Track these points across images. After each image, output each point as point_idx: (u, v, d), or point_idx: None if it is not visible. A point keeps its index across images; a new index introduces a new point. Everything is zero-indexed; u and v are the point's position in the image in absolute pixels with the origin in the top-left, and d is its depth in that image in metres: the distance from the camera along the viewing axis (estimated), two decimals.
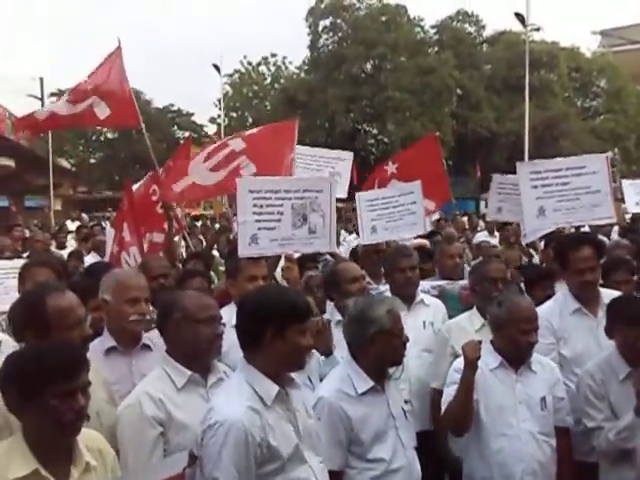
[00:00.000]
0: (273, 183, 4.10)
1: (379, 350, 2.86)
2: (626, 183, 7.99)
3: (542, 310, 3.81)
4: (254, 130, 5.94)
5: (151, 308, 3.15)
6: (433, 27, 35.72)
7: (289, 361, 2.33)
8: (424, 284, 4.60)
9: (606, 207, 4.71)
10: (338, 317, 3.62)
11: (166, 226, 5.56)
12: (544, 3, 57.53)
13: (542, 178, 4.82)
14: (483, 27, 36.11)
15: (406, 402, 3.05)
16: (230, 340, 2.65)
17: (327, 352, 3.35)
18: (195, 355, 2.60)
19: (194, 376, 2.59)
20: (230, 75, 39.63)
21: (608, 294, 3.75)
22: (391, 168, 7.21)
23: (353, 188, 7.01)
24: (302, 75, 36.95)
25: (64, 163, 38.30)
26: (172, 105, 41.40)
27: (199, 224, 14.26)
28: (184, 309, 2.61)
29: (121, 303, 3.03)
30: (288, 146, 5.43)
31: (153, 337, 3.01)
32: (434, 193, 6.94)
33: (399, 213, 5.31)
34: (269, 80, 40.09)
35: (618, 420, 3.13)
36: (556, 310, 3.78)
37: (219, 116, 37.74)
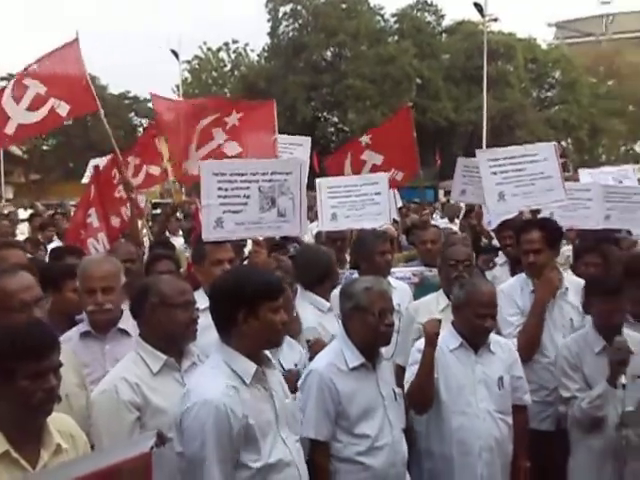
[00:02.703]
0: (239, 166, 4.03)
1: (357, 326, 2.92)
2: None
3: (506, 286, 4.03)
4: (235, 122, 5.91)
5: None
6: (393, 16, 35.86)
7: (265, 339, 2.37)
8: (404, 271, 4.70)
9: (558, 191, 4.94)
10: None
11: (123, 210, 5.53)
12: None
13: (500, 165, 4.99)
14: (442, 17, 36.44)
15: None
16: (199, 324, 2.69)
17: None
18: (171, 339, 2.62)
19: (169, 360, 2.61)
20: (189, 61, 39.00)
21: (571, 280, 3.95)
22: (365, 139, 7.26)
23: (314, 176, 7.04)
24: (262, 62, 36.63)
25: (15, 150, 37.10)
26: (129, 92, 40.51)
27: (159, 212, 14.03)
28: (161, 294, 2.63)
29: (82, 292, 3.09)
30: (269, 127, 5.44)
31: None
32: (404, 164, 7.06)
33: (362, 202, 5.33)
34: (229, 67, 39.56)
35: (591, 390, 3.29)
36: (518, 288, 3.97)
37: None
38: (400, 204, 9.30)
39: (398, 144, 7.06)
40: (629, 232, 5.86)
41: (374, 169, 6.92)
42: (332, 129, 35.47)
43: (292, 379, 3.00)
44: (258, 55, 37.58)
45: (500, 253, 5.43)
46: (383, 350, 3.06)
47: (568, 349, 3.45)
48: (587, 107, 35.33)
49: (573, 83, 35.94)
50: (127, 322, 3.05)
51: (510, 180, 4.94)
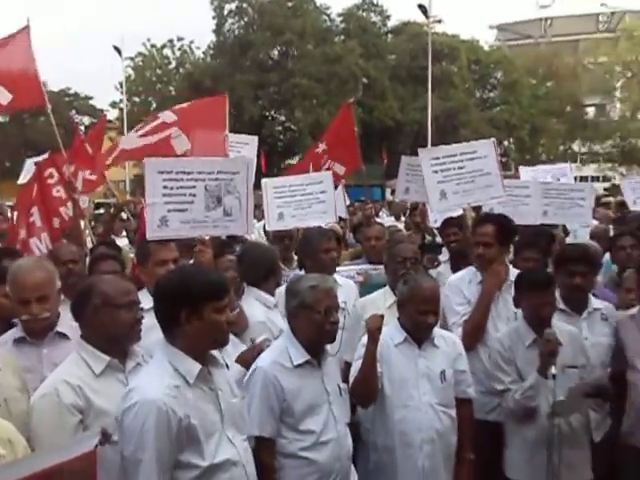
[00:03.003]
0: (185, 164, 3.98)
1: (302, 324, 2.94)
2: (624, 182, 8.56)
3: (455, 278, 4.15)
4: (184, 105, 5.81)
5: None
6: (339, 15, 36.08)
7: (210, 339, 2.36)
8: (349, 270, 4.73)
9: (497, 187, 5.06)
10: None
11: (62, 210, 5.41)
12: None
13: (441, 163, 5.07)
14: (388, 17, 36.88)
15: None
16: (144, 325, 2.67)
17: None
18: (115, 340, 2.59)
19: (113, 361, 2.57)
20: (132, 58, 38.22)
21: (512, 272, 4.04)
22: (322, 147, 7.32)
23: (261, 175, 7.03)
24: (208, 60, 36.23)
25: None
26: (69, 88, 39.37)
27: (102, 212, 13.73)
28: (103, 294, 2.59)
29: (15, 301, 2.97)
30: (220, 123, 5.38)
31: None
32: (346, 159, 7.13)
33: (307, 201, 5.35)
34: (174, 64, 38.95)
35: (524, 382, 3.39)
36: (466, 280, 4.08)
37: (121, 100, 36.34)
38: (348, 202, 9.40)
39: (340, 139, 7.13)
40: (564, 227, 6.11)
41: (314, 157, 7.04)
42: (279, 128, 35.43)
43: (253, 353, 3.06)
44: (204, 53, 37.17)
45: (444, 250, 5.55)
46: (328, 347, 3.09)
47: (501, 343, 3.55)
48: (527, 107, 36.36)
49: (514, 84, 36.94)
50: (65, 325, 2.99)
51: (451, 178, 5.02)
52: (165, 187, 3.82)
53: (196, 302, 2.29)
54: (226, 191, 3.91)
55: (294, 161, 35.25)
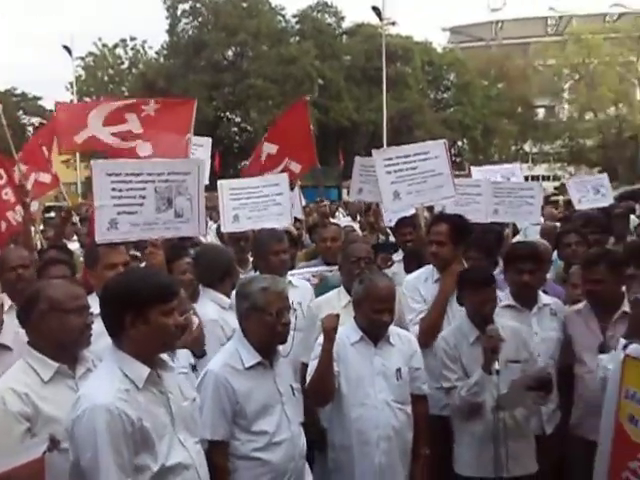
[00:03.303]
0: (134, 166, 3.93)
1: (253, 326, 2.93)
2: (570, 182, 8.76)
3: (412, 277, 4.21)
4: (152, 112, 5.67)
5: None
6: (294, 16, 36.08)
7: (156, 343, 2.33)
8: (304, 272, 4.73)
9: (448, 187, 5.15)
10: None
11: (10, 214, 5.25)
12: None
13: (394, 164, 5.13)
14: (342, 18, 37.05)
15: None
16: (94, 330, 2.61)
17: (199, 352, 3.37)
18: (64, 346, 2.53)
19: (62, 368, 2.51)
20: (83, 58, 37.41)
21: None
22: (265, 134, 7.29)
23: (216, 177, 6.97)
24: (161, 60, 35.75)
25: None
26: (15, 88, 38.28)
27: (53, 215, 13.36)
28: (51, 299, 2.53)
29: None
30: (184, 127, 5.32)
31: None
32: (301, 156, 7.12)
33: (263, 203, 5.34)
34: (126, 64, 38.31)
35: (469, 379, 3.44)
36: (422, 278, 4.14)
37: (71, 101, 35.53)
38: (304, 203, 9.41)
39: (294, 136, 7.11)
40: (515, 226, 6.25)
41: (269, 159, 6.99)
42: (235, 129, 35.22)
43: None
44: (157, 53, 36.69)
45: (399, 250, 5.60)
46: (280, 348, 3.09)
47: (446, 341, 3.60)
48: (480, 108, 37.07)
49: (467, 85, 37.62)
50: (7, 336, 2.90)
51: (404, 178, 5.09)
52: (114, 189, 3.76)
53: (141, 305, 2.26)
54: (177, 192, 3.88)
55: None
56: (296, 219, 7.40)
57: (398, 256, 5.42)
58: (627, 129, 37.54)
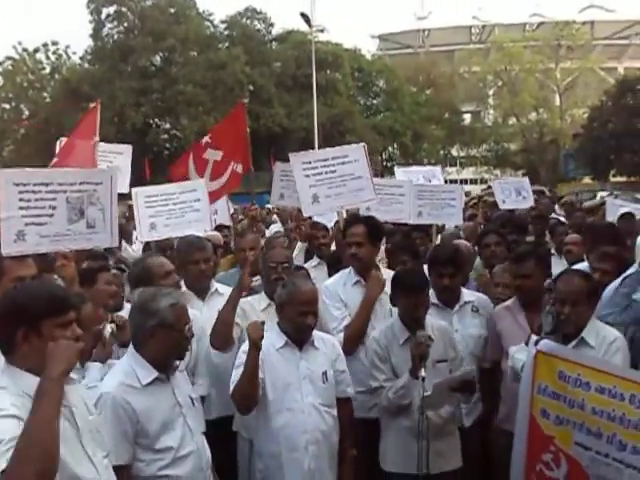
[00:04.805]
0: (43, 176, 3.80)
1: (159, 343, 2.84)
2: (495, 183, 8.96)
3: (331, 282, 4.20)
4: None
5: None
6: (223, 22, 35.86)
7: None
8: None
9: (368, 190, 5.18)
10: None
11: None
12: (328, 5, 60.75)
13: (313, 168, 5.11)
14: (272, 25, 37.10)
15: None
16: None
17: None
18: None
19: None
20: (1, 62, 35.85)
21: (388, 273, 4.14)
22: (205, 139, 7.13)
23: (146, 185, 6.80)
24: (86, 65, 34.73)
25: None
26: None
27: None
28: None
29: None
30: (89, 131, 5.13)
31: None
32: (241, 157, 7.03)
33: (180, 210, 5.24)
34: (48, 70, 36.96)
35: (397, 380, 3.49)
36: (341, 282, 4.14)
37: None
38: (232, 210, 9.30)
39: (234, 139, 7.03)
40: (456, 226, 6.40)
41: (216, 166, 6.86)
42: (165, 135, 34.62)
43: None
44: (81, 58, 35.58)
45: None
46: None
47: (377, 342, 3.64)
48: (409, 114, 37.92)
49: (396, 92, 38.41)
50: None
51: (323, 182, 5.08)
52: (22, 200, 3.64)
53: (33, 320, 2.15)
54: (89, 203, 3.78)
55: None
56: (224, 226, 7.32)
57: (313, 262, 5.42)
58: (548, 133, 39.26)
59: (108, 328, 3.21)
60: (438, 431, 3.47)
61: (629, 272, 3.64)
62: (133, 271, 3.79)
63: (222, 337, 3.66)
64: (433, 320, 3.71)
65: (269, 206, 10.02)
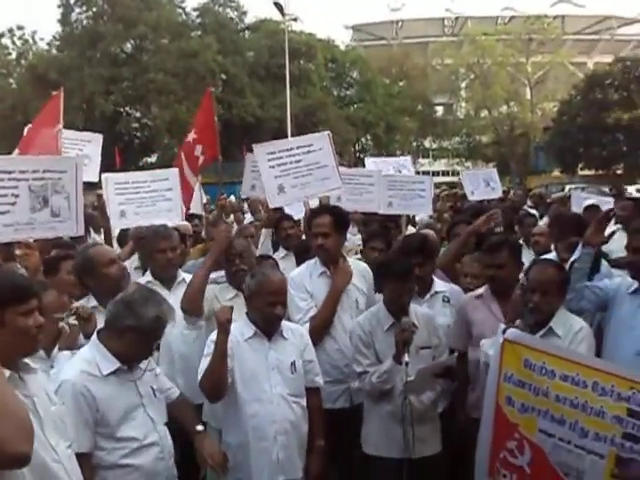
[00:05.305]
0: (5, 163, 3.71)
1: (127, 343, 2.85)
2: (464, 174, 9.00)
3: (296, 273, 4.18)
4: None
5: None
6: (195, 10, 35.41)
7: (17, 345, 2.22)
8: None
9: (334, 179, 5.16)
10: None
11: None
12: None
13: (277, 158, 5.06)
14: (244, 13, 36.76)
15: None
16: None
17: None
18: None
19: None
20: None
21: (355, 264, 4.20)
22: (191, 136, 7.02)
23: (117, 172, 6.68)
24: (54, 52, 33.98)
25: None
26: None
27: None
28: None
29: None
30: (53, 118, 5.02)
31: None
32: (209, 146, 6.94)
33: (152, 199, 5.15)
34: (14, 55, 36.07)
35: (380, 365, 3.52)
36: (307, 273, 4.13)
37: None
38: (205, 200, 9.22)
39: (204, 126, 6.94)
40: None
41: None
42: (136, 124, 34.12)
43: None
44: (48, 44, 34.81)
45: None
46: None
47: (361, 327, 3.67)
48: (382, 106, 37.98)
49: (369, 83, 38.42)
50: None
51: (288, 172, 5.04)
52: None
53: None
54: (53, 191, 3.71)
55: (152, 159, 34.13)
56: (195, 216, 7.26)
57: (280, 253, 5.40)
58: (518, 126, 39.71)
59: (71, 321, 3.14)
60: (420, 416, 3.52)
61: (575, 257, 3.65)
62: (75, 261, 3.68)
63: (193, 301, 3.66)
64: (418, 308, 3.74)
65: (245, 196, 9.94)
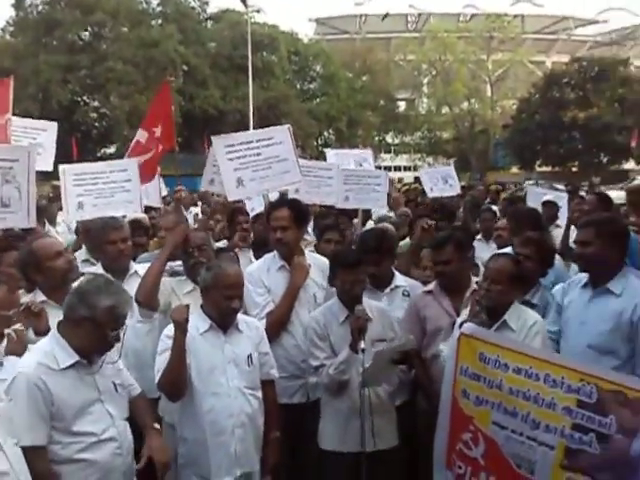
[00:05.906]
0: None
1: (83, 334, 2.79)
2: (423, 172, 9.00)
3: (254, 267, 4.15)
4: None
5: None
6: None
7: None
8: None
9: (294, 172, 5.11)
10: None
11: None
12: None
13: (236, 150, 4.98)
14: (207, 3, 36.27)
15: None
16: None
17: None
18: None
19: None
20: None
21: (313, 258, 4.18)
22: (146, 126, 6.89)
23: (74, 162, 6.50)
24: (7, 37, 32.95)
25: None
26: None
27: None
28: None
29: None
30: (3, 105, 4.84)
31: None
32: (165, 137, 6.81)
33: (110, 190, 4.98)
34: None
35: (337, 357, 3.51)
36: (265, 267, 4.09)
37: None
38: (165, 192, 9.08)
39: (161, 117, 6.81)
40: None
41: (137, 145, 6.64)
42: (94, 114, 33.38)
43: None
44: (2, 30, 33.72)
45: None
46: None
47: (316, 321, 3.67)
48: (345, 100, 38.02)
49: (332, 77, 38.38)
50: None
51: (247, 165, 4.97)
52: None
53: None
54: (4, 180, 3.59)
55: (111, 150, 33.45)
56: (152, 208, 7.13)
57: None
58: (479, 123, 40.34)
59: (18, 327, 3.00)
60: (378, 409, 3.53)
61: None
62: (20, 256, 3.55)
63: (148, 293, 3.61)
64: (372, 302, 3.75)
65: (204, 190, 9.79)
